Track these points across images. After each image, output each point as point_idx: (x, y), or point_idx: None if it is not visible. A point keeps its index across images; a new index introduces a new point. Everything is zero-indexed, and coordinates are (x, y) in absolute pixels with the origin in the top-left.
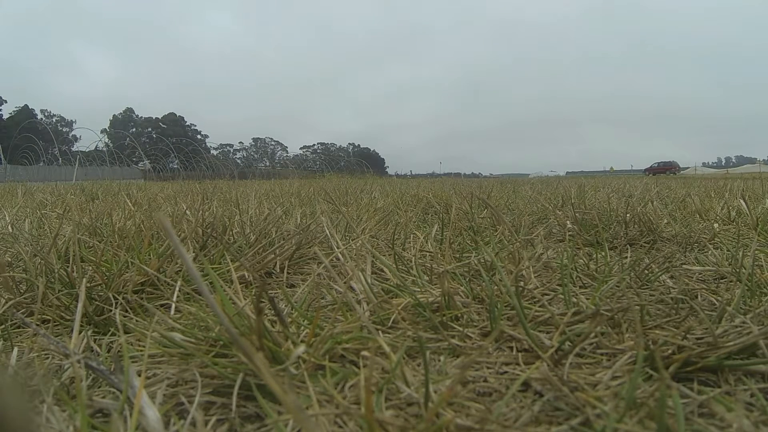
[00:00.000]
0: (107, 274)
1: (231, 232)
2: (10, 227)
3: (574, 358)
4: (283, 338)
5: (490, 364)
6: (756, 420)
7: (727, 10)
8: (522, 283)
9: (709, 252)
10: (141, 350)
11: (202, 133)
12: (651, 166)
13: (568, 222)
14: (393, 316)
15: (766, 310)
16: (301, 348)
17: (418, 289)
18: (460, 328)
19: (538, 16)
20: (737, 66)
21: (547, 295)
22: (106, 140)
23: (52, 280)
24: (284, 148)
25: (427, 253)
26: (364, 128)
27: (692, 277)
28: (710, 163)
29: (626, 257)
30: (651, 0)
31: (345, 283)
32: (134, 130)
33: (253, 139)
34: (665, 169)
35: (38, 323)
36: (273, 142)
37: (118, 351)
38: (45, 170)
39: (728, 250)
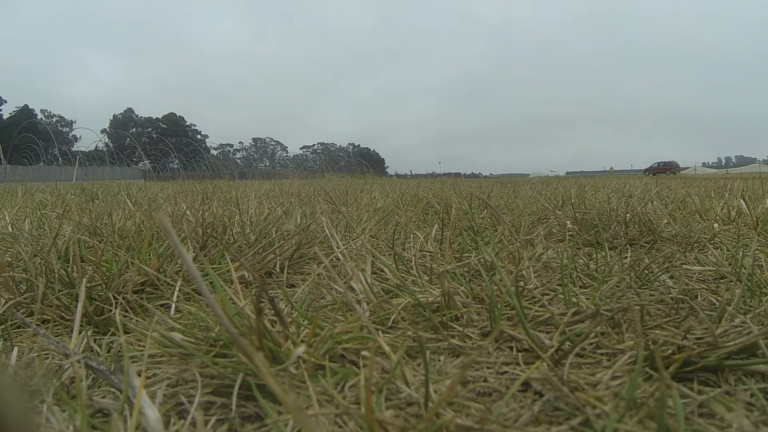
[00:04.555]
0: (107, 274)
1: (231, 232)
2: (10, 227)
3: (574, 358)
4: (283, 338)
5: (490, 364)
6: (756, 420)
7: (726, 12)
8: (522, 283)
9: (709, 252)
10: (141, 350)
11: (202, 133)
12: (651, 166)
13: (568, 222)
14: (393, 316)
15: (766, 310)
16: (301, 348)
17: (418, 289)
18: (460, 328)
19: (536, 18)
20: (737, 67)
21: (547, 295)
22: (106, 140)
23: (52, 280)
24: (284, 148)
25: (427, 253)
26: (364, 128)
27: (692, 277)
28: (710, 163)
29: (626, 257)
30: (649, 3)
31: (345, 283)
32: (134, 130)
33: (253, 139)
34: (665, 169)
35: (38, 323)
36: (273, 142)
37: (118, 351)
38: (45, 170)
39: (728, 250)
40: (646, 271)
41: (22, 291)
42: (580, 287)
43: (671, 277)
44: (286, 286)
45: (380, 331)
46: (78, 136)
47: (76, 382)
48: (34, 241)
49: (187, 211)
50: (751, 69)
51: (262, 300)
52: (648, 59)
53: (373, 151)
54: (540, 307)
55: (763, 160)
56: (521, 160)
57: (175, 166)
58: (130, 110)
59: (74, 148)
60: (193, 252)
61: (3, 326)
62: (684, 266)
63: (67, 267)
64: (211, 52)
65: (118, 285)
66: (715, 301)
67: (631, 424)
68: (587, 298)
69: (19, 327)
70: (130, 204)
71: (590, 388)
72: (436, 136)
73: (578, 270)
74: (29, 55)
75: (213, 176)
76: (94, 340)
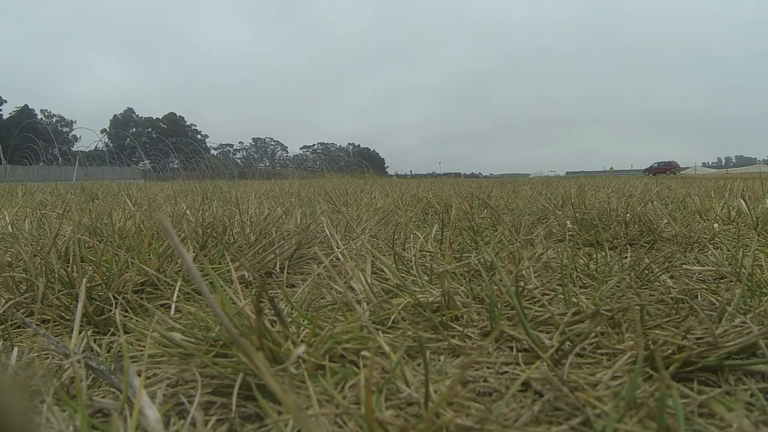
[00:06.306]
0: (107, 274)
1: (231, 232)
2: (10, 227)
3: (574, 358)
4: (283, 338)
5: (490, 364)
6: (756, 420)
7: (725, 12)
8: (522, 283)
9: (709, 252)
10: (141, 350)
11: (202, 133)
12: (651, 166)
13: (568, 222)
14: (393, 316)
15: (766, 310)
16: (301, 348)
17: (418, 289)
18: (460, 328)
19: (536, 17)
20: (737, 67)
21: (547, 295)
22: (106, 140)
23: (52, 280)
24: (284, 148)
25: (427, 253)
26: (364, 128)
27: (692, 277)
28: (710, 163)
29: (626, 257)
30: (649, 3)
31: (345, 283)
32: (134, 130)
33: (253, 139)
34: (665, 169)
35: (38, 323)
36: (273, 142)
37: (118, 351)
38: (45, 170)
39: (728, 250)
40: (646, 271)
41: (22, 291)
42: (580, 287)
43: (671, 277)
44: (286, 286)
45: (380, 331)
46: (78, 136)
47: (76, 382)
48: (34, 241)
49: (187, 211)
50: (751, 69)
51: (262, 300)
52: (648, 59)
53: (373, 151)
54: (540, 307)
55: (763, 160)
56: (521, 160)
57: (175, 166)
58: (130, 110)
59: (74, 148)
60: (193, 252)
61: (3, 326)
62: (684, 266)
63: (67, 267)
64: (212, 51)
65: (118, 285)
66: (715, 301)
67: (631, 424)
68: (587, 298)
69: (19, 327)
70: (130, 204)
71: (590, 388)
72: (436, 136)
73: (578, 270)
74: (29, 55)
75: (213, 176)
76: (94, 340)
